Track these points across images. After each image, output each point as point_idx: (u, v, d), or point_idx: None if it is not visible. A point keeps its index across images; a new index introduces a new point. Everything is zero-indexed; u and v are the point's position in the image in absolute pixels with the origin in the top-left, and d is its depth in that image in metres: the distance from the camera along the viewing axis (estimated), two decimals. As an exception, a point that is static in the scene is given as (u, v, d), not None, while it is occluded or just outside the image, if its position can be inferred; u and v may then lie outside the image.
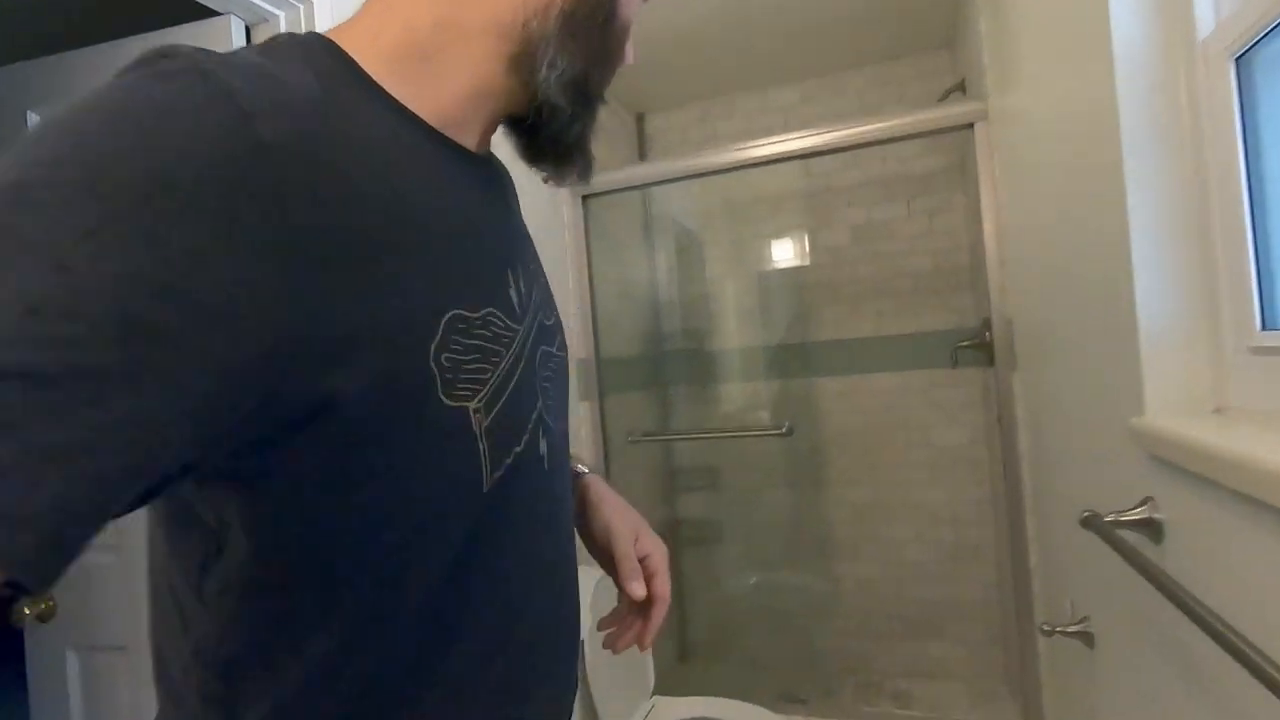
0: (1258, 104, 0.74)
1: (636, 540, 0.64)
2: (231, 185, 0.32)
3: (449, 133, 0.47)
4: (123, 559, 1.19)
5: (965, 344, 2.07)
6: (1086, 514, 0.87)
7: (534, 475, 0.49)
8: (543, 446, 0.51)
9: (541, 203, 1.90)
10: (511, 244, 0.54)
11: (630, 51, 0.53)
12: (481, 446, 0.43)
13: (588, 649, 1.47)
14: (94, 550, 0.30)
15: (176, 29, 1.18)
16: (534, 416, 0.50)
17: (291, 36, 0.43)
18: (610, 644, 0.64)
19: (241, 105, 0.33)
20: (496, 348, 0.46)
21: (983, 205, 1.67)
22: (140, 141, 0.30)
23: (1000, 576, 2.27)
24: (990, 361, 2.00)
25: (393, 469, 0.40)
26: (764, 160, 1.82)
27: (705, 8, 1.98)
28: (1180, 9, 0.82)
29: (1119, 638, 1.02)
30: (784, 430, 1.83)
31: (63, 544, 0.27)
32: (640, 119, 2.71)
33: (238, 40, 1.15)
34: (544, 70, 0.47)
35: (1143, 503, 0.86)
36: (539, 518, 0.51)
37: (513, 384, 0.47)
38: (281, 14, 1.16)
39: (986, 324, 1.99)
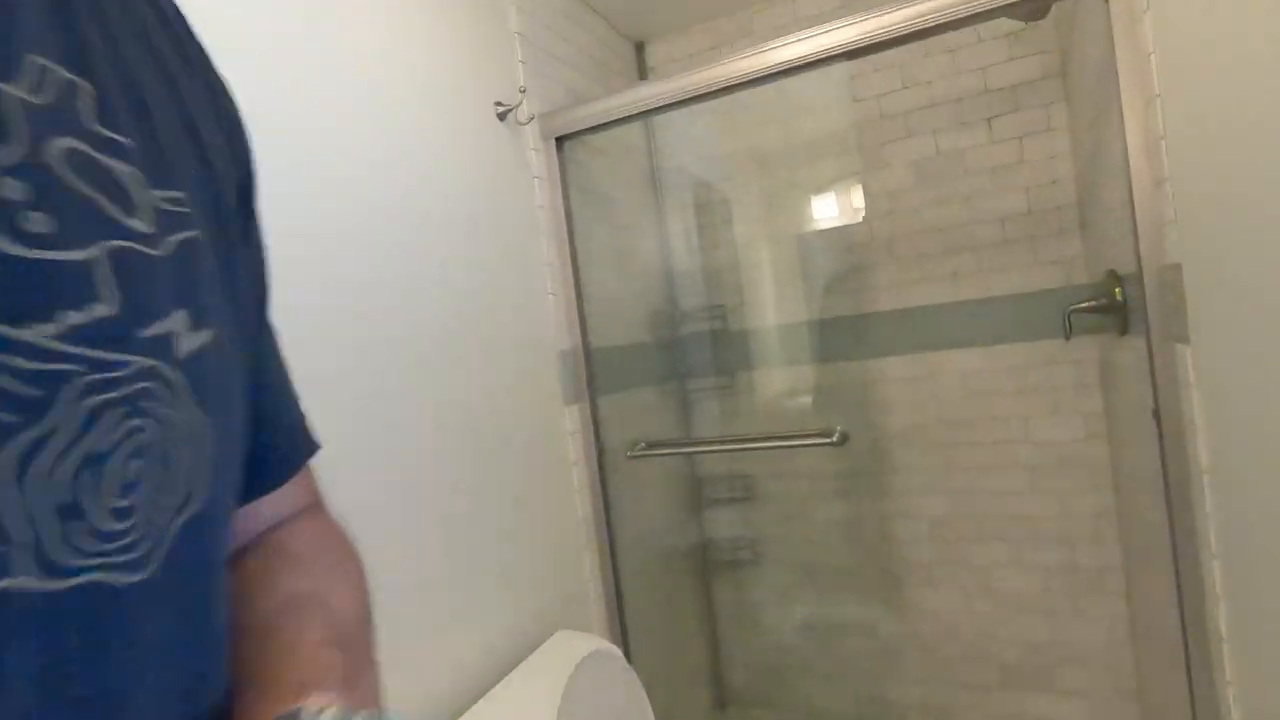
0: None
1: None
2: None
3: None
4: None
5: (1084, 306, 1.52)
6: None
7: None
8: None
9: (495, 147, 1.43)
10: None
11: None
12: None
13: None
14: None
15: None
16: None
17: None
18: None
19: None
20: None
21: (1125, 104, 1.12)
22: None
23: (1134, 610, 1.72)
24: (1122, 329, 1.45)
25: None
26: (796, 64, 1.31)
27: None
28: None
29: None
30: (834, 439, 1.34)
31: None
32: (639, 48, 2.20)
33: None
34: None
35: None
36: None
37: None
38: None
39: (1115, 278, 1.44)
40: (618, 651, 1.31)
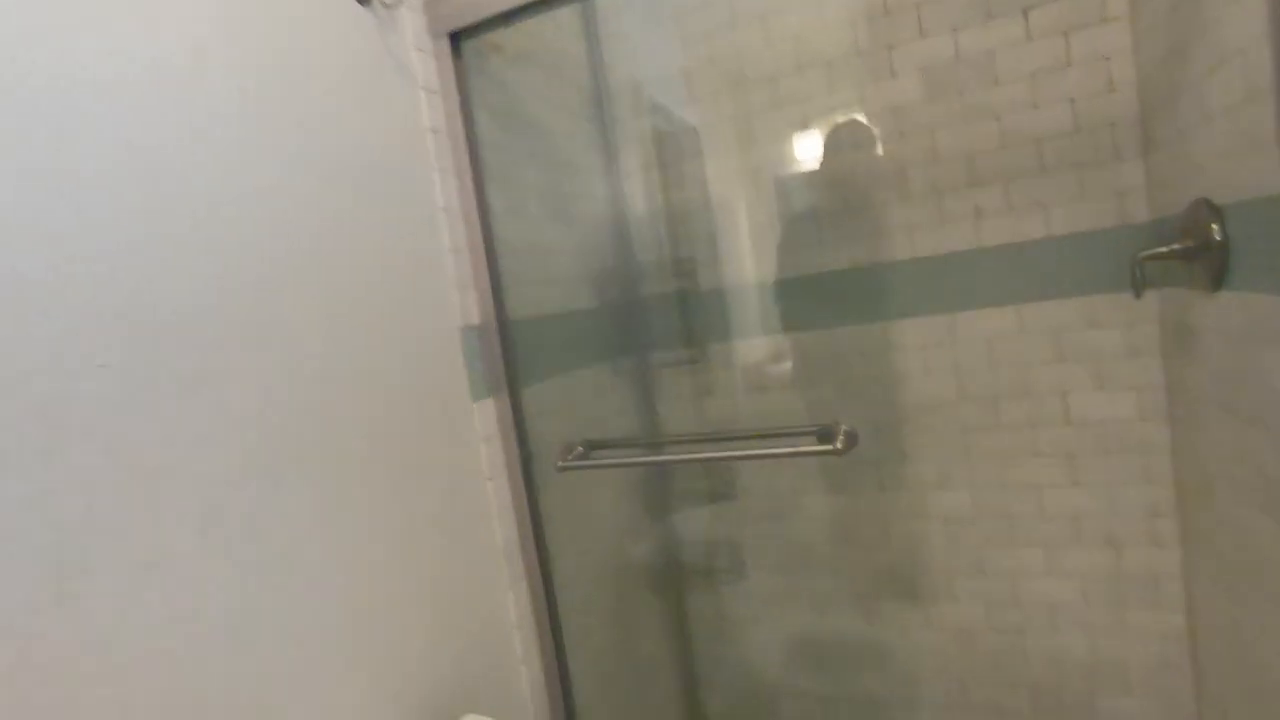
0: None
1: None
2: None
3: None
4: None
5: (1163, 251, 1.14)
6: None
7: None
8: None
9: (357, 44, 1.00)
10: None
11: None
12: None
13: None
14: None
15: None
16: None
17: None
18: None
19: None
20: None
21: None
22: None
23: (1196, 626, 1.40)
24: (1214, 280, 1.08)
25: None
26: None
27: None
28: None
29: None
30: (837, 444, 0.96)
31: None
32: (579, -66, 1.74)
33: None
34: None
35: None
36: None
37: None
38: None
39: (1211, 211, 1.06)
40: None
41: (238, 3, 0.82)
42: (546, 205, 1.46)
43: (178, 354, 0.70)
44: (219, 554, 0.71)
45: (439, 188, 1.13)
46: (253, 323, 0.78)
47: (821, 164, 1.62)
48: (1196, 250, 1.10)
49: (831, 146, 1.60)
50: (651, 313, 1.77)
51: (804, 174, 1.66)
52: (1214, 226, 1.05)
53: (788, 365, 1.68)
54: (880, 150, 1.54)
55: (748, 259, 1.71)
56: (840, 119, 1.58)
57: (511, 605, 1.18)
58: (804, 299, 1.65)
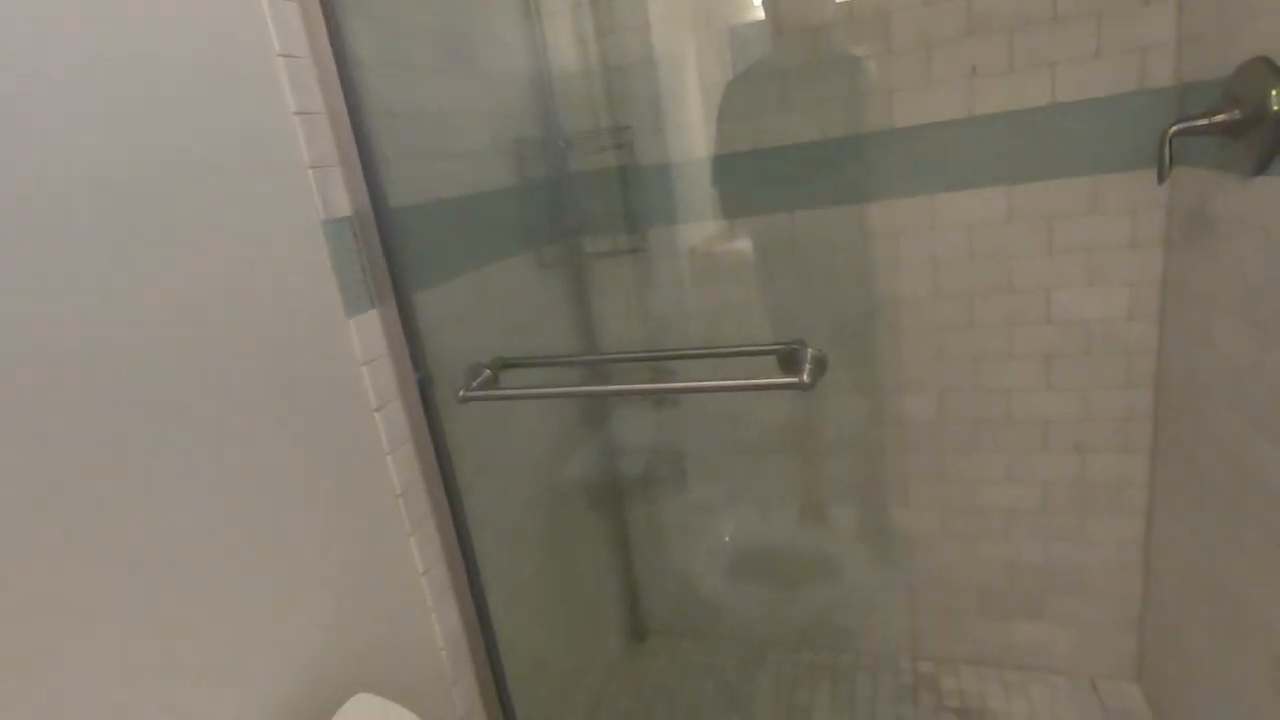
0: None
1: None
2: None
3: None
4: None
5: (1202, 124, 0.93)
6: None
7: None
8: None
9: None
10: None
11: None
12: None
13: None
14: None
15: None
16: None
17: None
18: None
19: None
20: None
21: None
22: None
23: (1153, 532, 1.35)
24: (1260, 164, 0.89)
25: None
26: None
27: None
28: None
29: None
30: (803, 378, 0.76)
31: None
32: None
33: None
34: None
35: None
36: None
37: None
38: None
39: (1272, 70, 0.84)
40: None
41: None
42: (440, 53, 1.14)
43: None
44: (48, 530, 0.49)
45: (270, 22, 0.81)
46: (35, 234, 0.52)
47: (788, 8, 1.31)
48: (1245, 124, 0.90)
49: (802, -18, 1.29)
50: (581, 193, 1.49)
51: (766, 21, 1.35)
52: (1275, 93, 0.84)
53: (744, 256, 1.46)
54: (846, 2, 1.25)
55: (698, 127, 1.43)
56: (815, -55, 1.26)
57: (416, 551, 1.00)
58: (763, 177, 1.40)
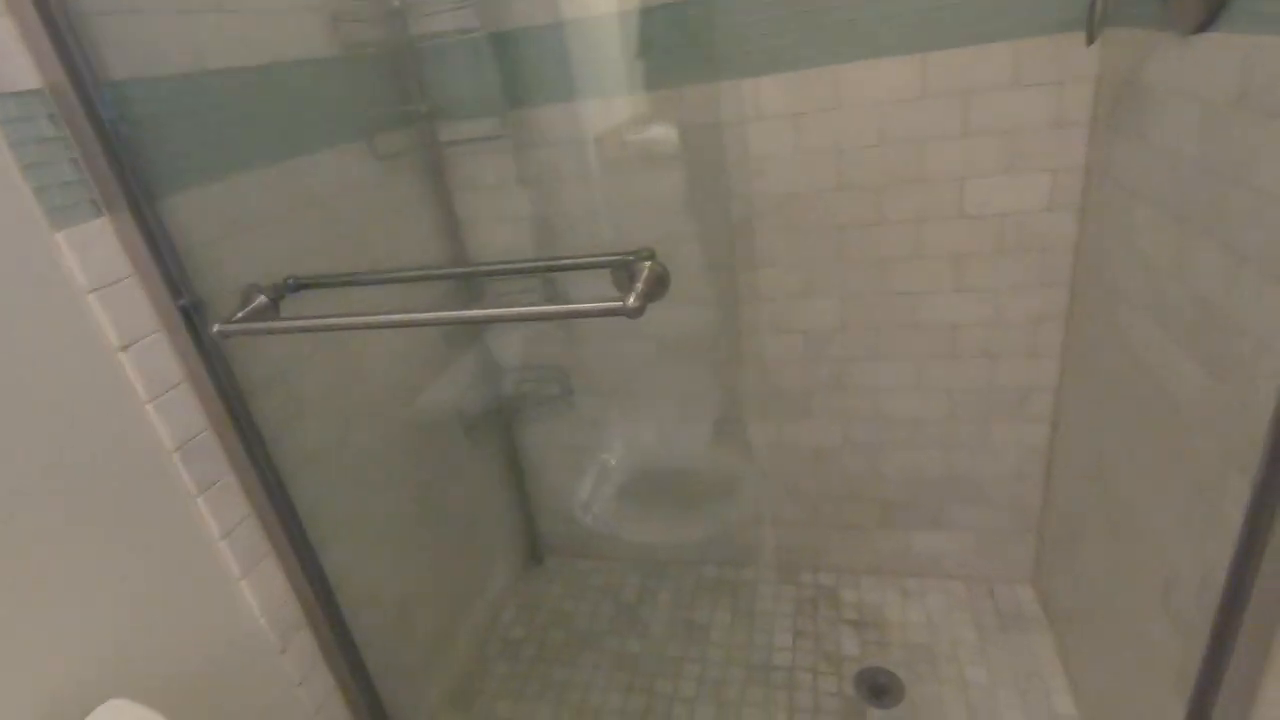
0: None
1: None
2: None
3: None
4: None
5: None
6: None
7: None
8: None
9: None
10: None
11: None
12: None
13: None
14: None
15: None
16: None
17: None
18: None
19: None
20: None
21: None
22: None
23: (1057, 439, 1.28)
24: (1203, 20, 0.72)
25: None
26: None
27: None
28: None
29: None
30: (629, 301, 0.60)
31: None
32: None
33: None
34: None
35: None
36: None
37: None
38: None
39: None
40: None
41: None
42: None
43: None
44: None
45: None
46: None
47: None
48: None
49: None
50: (430, 67, 1.23)
51: None
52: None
53: (623, 144, 1.25)
54: None
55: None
56: None
57: (208, 514, 0.84)
58: (636, 43, 1.17)
